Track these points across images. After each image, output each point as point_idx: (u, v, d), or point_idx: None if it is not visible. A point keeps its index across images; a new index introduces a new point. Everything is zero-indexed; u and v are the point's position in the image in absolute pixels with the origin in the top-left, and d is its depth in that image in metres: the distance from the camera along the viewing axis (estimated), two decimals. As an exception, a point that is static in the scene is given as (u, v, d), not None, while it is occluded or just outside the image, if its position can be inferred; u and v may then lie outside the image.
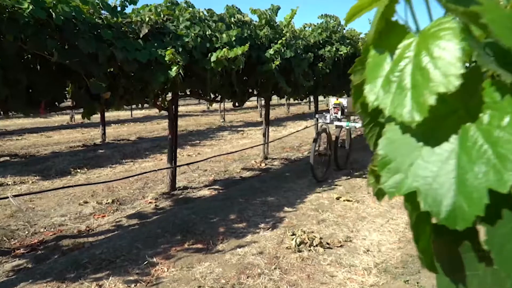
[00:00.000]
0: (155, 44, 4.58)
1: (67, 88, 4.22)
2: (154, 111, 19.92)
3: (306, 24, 9.16)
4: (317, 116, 6.52)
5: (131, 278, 3.22)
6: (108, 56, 4.07)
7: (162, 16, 4.83)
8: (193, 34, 4.94)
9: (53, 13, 3.56)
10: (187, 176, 6.72)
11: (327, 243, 3.87)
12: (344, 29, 9.77)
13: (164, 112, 19.57)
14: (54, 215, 4.75)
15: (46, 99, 3.98)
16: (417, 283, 3.16)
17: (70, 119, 14.66)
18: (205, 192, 5.80)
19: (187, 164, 6.13)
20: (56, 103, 4.16)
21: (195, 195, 5.65)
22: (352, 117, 6.92)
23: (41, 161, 7.67)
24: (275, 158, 8.26)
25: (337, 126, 6.62)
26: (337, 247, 3.84)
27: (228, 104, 22.66)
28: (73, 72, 3.98)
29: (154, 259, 3.54)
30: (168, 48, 4.48)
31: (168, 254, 3.66)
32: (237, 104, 7.10)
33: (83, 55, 3.84)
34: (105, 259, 3.54)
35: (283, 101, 25.69)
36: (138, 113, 18.73)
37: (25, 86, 3.67)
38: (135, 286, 3.11)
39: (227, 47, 5.02)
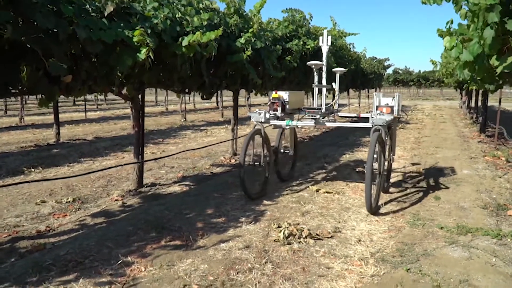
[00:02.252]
0: (121, 25, 4.17)
1: (22, 74, 3.73)
2: (110, 112, 19.16)
3: (270, 18, 8.92)
4: (249, 113, 5.10)
5: (104, 279, 2.82)
6: (69, 35, 3.63)
7: (128, -6, 4.41)
8: (162, 16, 4.56)
9: (6, -19, 3.10)
10: (154, 173, 6.28)
11: (317, 234, 3.61)
12: (309, 23, 9.63)
13: (120, 114, 18.87)
14: (8, 216, 4.22)
15: (-1, 82, 3.50)
16: (420, 271, 2.95)
17: (19, 120, 13.70)
18: (176, 188, 5.40)
19: (155, 159, 5.72)
20: (10, 88, 3.68)
21: (165, 191, 5.24)
22: (296, 117, 5.51)
23: (-11, 161, 6.97)
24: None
25: (275, 126, 5.30)
26: (328, 238, 3.59)
27: (189, 105, 22.19)
28: (29, 52, 3.52)
29: (129, 258, 3.14)
30: (136, 29, 4.09)
31: (144, 252, 3.27)
32: (205, 97, 6.76)
33: (40, 32, 3.40)
34: (72, 260, 3.09)
35: (243, 102, 25.48)
36: (93, 114, 17.92)
37: (-27, 65, 3.19)
38: (109, 288, 2.71)
39: (200, 30, 4.68)
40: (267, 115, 4.94)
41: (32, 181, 4.52)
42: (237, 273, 2.91)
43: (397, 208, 4.48)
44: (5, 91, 3.66)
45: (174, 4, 5.08)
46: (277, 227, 3.74)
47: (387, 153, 4.84)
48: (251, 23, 6.78)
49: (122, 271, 2.94)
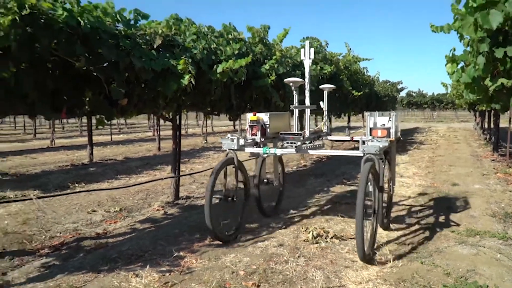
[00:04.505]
0: (167, 55, 4.81)
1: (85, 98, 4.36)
2: (133, 135, 19.93)
3: (290, 47, 9.56)
4: (221, 140, 4.42)
5: (163, 268, 3.35)
6: (126, 64, 4.27)
7: (172, 29, 5.07)
8: (200, 47, 5.20)
9: (82, 21, 3.76)
10: (186, 188, 6.84)
11: (341, 236, 4.11)
12: (326, 50, 10.27)
13: (143, 136, 19.55)
14: (66, 222, 4.80)
15: (68, 105, 4.13)
16: (433, 263, 3.43)
17: (50, 143, 14.48)
18: (209, 200, 5.94)
19: (190, 174, 6.29)
20: (76, 109, 4.30)
21: (200, 203, 5.79)
22: (280, 142, 4.56)
23: (35, 178, 7.62)
24: (268, 172, 8.46)
25: (252, 154, 4.73)
26: (351, 239, 4.08)
27: (208, 129, 22.93)
28: (92, 79, 4.15)
29: (181, 253, 3.68)
30: (182, 58, 4.72)
31: (192, 249, 3.81)
32: (232, 118, 7.38)
33: (105, 62, 4.04)
34: (133, 254, 3.65)
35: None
36: (117, 137, 18.67)
37: (50, 91, 3.82)
38: (169, 274, 3.24)
39: (233, 58, 5.30)
40: (241, 141, 4.27)
41: (83, 191, 5.15)
42: (275, 264, 3.42)
43: (411, 216, 4.95)
44: (73, 112, 4.29)
45: (209, 36, 5.73)
46: (305, 230, 4.25)
47: (385, 184, 4.21)
48: (273, 50, 7.42)
49: (177, 263, 3.48)
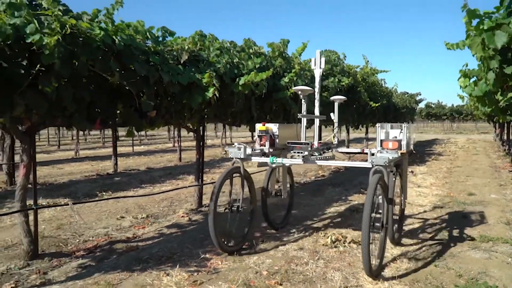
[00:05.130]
0: (193, 69, 5.11)
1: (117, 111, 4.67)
2: (153, 147, 20.36)
3: (306, 60, 9.80)
4: (227, 148, 4.41)
5: (192, 268, 3.60)
6: (155, 79, 4.57)
7: (197, 45, 5.38)
8: (224, 61, 5.49)
9: (116, 39, 4.08)
10: (208, 196, 7.07)
11: (359, 241, 4.29)
12: (343, 62, 10.49)
13: (164, 148, 19.93)
14: (97, 227, 5.09)
15: (102, 117, 4.44)
16: (446, 266, 3.60)
17: (75, 154, 14.96)
18: (230, 208, 6.18)
19: (213, 183, 6.52)
20: (108, 120, 4.61)
21: (222, 210, 6.02)
22: (289, 154, 4.46)
23: (63, 187, 7.99)
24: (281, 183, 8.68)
25: (260, 164, 4.64)
26: (368, 244, 4.26)
27: (226, 140, 23.30)
28: (124, 93, 4.46)
29: (207, 255, 3.93)
30: (207, 71, 5.00)
31: (218, 251, 4.05)
32: (252, 129, 7.63)
33: (136, 77, 4.35)
34: (163, 256, 3.91)
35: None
36: (138, 148, 19.13)
37: (87, 104, 4.13)
38: (197, 274, 3.49)
39: (255, 71, 5.58)
40: (248, 151, 4.24)
41: (111, 199, 5.41)
42: (296, 266, 3.64)
43: (427, 223, 5.10)
44: (106, 123, 4.60)
45: (231, 51, 6.03)
46: (324, 235, 4.46)
47: (397, 198, 4.22)
48: (292, 63, 7.69)
49: (204, 264, 3.72)
